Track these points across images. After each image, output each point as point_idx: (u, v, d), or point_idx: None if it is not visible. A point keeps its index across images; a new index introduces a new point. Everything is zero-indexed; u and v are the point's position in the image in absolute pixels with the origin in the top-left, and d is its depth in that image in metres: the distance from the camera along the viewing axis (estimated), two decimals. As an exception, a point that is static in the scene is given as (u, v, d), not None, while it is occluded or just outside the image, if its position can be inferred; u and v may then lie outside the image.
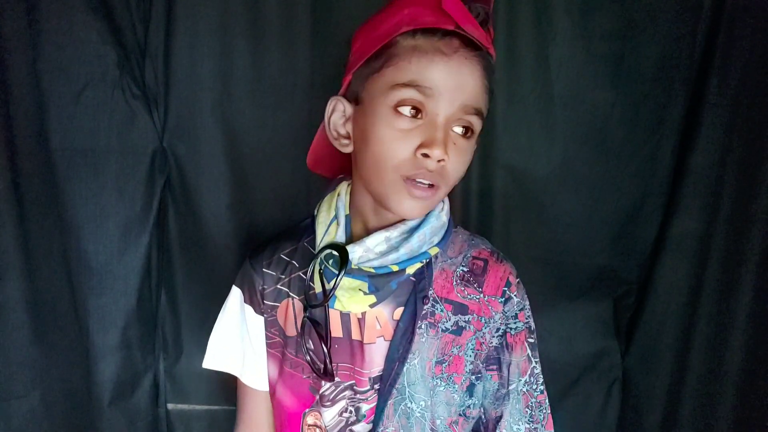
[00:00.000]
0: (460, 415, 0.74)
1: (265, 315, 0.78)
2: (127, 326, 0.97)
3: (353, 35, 0.72)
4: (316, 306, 0.70)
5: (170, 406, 1.07)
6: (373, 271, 0.69)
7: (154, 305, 1.03)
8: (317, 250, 0.72)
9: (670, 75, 0.98)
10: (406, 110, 0.64)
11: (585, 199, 1.03)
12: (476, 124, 0.67)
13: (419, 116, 0.64)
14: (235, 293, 0.81)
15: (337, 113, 0.72)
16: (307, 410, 0.74)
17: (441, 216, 0.73)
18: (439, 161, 0.64)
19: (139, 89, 0.93)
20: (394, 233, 0.70)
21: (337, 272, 0.67)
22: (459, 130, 0.66)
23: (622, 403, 1.11)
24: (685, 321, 1.03)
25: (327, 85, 0.95)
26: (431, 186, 0.66)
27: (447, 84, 0.63)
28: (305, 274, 0.73)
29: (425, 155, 0.63)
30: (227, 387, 1.04)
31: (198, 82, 0.95)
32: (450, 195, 0.74)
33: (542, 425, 0.76)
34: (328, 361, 0.70)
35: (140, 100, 0.93)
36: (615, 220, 1.04)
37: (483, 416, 0.77)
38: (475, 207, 1.04)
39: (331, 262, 0.69)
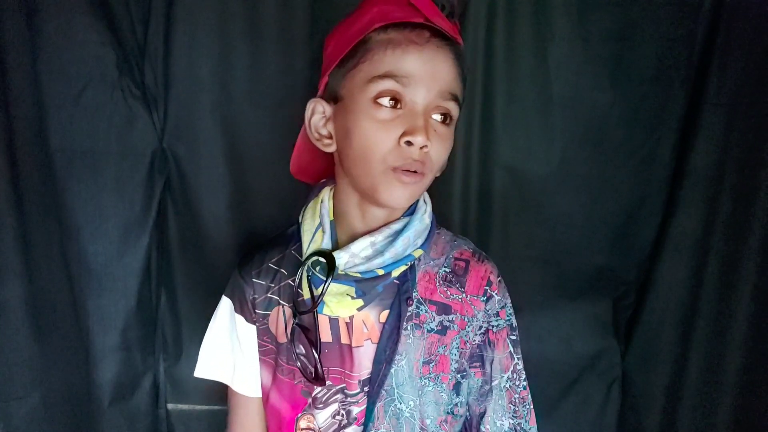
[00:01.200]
0: (448, 413, 0.75)
1: (257, 324, 0.78)
2: (127, 327, 0.97)
3: (324, 41, 0.73)
4: (305, 312, 0.71)
5: (170, 406, 1.07)
6: (359, 275, 0.70)
7: (154, 306, 1.03)
8: (304, 257, 0.72)
9: (669, 75, 0.98)
10: (386, 101, 0.65)
11: (584, 199, 1.03)
12: (454, 109, 0.69)
13: (399, 106, 0.66)
14: (225, 303, 0.81)
15: (317, 115, 0.73)
16: (299, 414, 0.75)
17: (424, 218, 0.74)
18: (422, 148, 0.65)
19: (139, 90, 0.93)
20: (379, 237, 0.71)
21: (324, 278, 0.68)
22: (438, 117, 0.68)
23: (622, 402, 1.11)
24: (684, 321, 1.03)
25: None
26: (416, 173, 0.67)
27: (422, 72, 0.65)
28: (294, 281, 0.74)
29: (408, 143, 0.65)
30: (227, 387, 1.04)
31: (197, 83, 0.95)
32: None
33: (525, 420, 0.77)
34: (318, 366, 0.70)
35: (140, 101, 0.93)
36: (614, 220, 1.04)
37: (467, 412, 0.78)
38: (474, 207, 1.04)
39: (318, 268, 0.70)
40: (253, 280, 0.78)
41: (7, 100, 0.80)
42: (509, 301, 0.78)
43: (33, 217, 0.84)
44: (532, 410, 0.78)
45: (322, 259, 0.70)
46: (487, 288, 0.76)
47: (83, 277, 0.93)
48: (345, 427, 0.73)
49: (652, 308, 1.05)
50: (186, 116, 0.96)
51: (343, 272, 0.70)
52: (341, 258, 0.70)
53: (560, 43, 0.97)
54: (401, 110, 0.66)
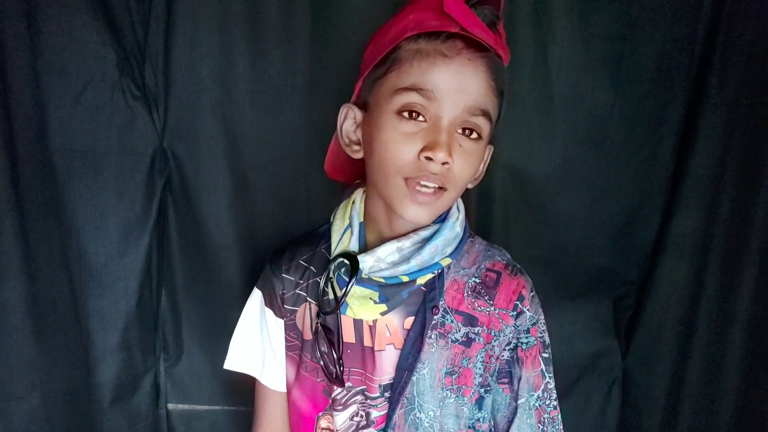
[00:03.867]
0: (469, 428, 0.74)
1: (285, 319, 0.79)
2: (128, 327, 0.97)
3: (367, 42, 0.72)
4: (328, 313, 0.71)
5: (171, 406, 1.07)
6: (383, 281, 0.69)
7: (155, 306, 1.03)
8: (331, 257, 0.72)
9: (669, 75, 0.98)
10: (409, 114, 0.64)
11: (585, 199, 1.03)
12: (483, 125, 0.66)
13: (423, 119, 0.64)
14: (256, 295, 0.81)
15: (349, 120, 0.73)
16: (320, 413, 0.75)
17: (455, 227, 0.73)
18: (443, 164, 0.63)
19: (139, 90, 0.93)
20: (407, 243, 0.70)
21: (348, 280, 0.68)
22: (465, 132, 0.66)
23: (622, 403, 1.11)
24: (685, 321, 1.03)
25: (326, 86, 0.95)
26: (438, 189, 0.66)
27: (449, 86, 0.63)
28: (321, 279, 0.74)
29: (428, 158, 0.63)
30: (228, 387, 1.04)
31: (198, 83, 0.95)
32: (463, 201, 0.73)
33: None
34: (338, 367, 0.71)
35: (140, 101, 0.93)
36: (615, 220, 1.04)
37: (493, 429, 0.76)
38: (474, 207, 1.04)
39: (343, 270, 0.70)
40: (283, 275, 0.78)
41: (7, 100, 0.79)
42: (542, 317, 0.76)
43: (33, 217, 0.83)
44: (561, 430, 0.77)
45: (346, 261, 0.69)
46: (518, 303, 0.74)
47: (84, 276, 0.93)
48: (363, 428, 0.73)
49: (653, 308, 1.05)
50: (186, 116, 0.96)
51: (367, 276, 0.69)
52: (366, 261, 0.69)
53: (561, 42, 0.97)
54: (425, 124, 0.64)
